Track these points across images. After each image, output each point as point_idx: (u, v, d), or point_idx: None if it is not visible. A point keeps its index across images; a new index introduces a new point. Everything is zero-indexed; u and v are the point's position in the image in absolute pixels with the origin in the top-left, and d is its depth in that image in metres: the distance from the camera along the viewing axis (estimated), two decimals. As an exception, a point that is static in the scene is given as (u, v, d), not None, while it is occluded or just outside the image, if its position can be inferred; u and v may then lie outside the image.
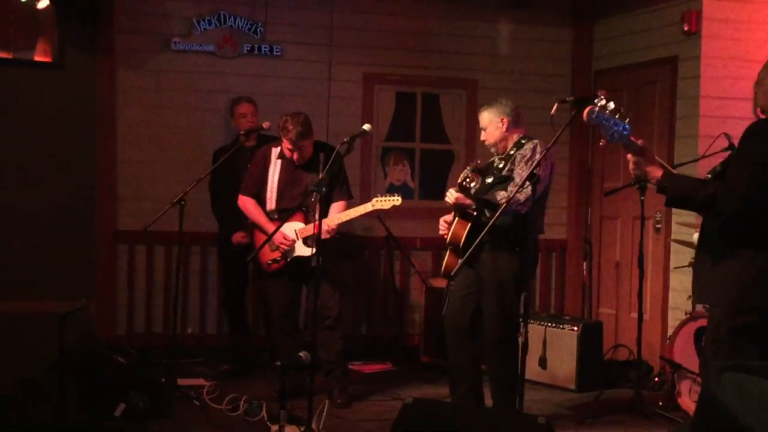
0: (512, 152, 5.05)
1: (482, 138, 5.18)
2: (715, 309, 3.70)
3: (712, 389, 2.11)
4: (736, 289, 3.61)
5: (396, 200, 5.36)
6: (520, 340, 4.05)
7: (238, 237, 6.23)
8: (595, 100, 3.46)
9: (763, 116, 3.76)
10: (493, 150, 5.17)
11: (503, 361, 4.95)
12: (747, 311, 3.61)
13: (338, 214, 5.47)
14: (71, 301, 5.10)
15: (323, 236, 4.97)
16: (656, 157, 3.62)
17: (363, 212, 5.47)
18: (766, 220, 3.58)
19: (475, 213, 4.95)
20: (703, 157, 5.65)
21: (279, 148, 5.62)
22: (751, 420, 1.96)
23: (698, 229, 3.85)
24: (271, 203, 5.61)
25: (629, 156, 3.59)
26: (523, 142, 5.07)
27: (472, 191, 5.00)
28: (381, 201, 5.38)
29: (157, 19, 7.03)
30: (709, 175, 3.87)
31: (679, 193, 3.65)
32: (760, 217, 3.57)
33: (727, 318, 3.63)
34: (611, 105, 3.45)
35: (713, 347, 3.67)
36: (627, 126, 3.47)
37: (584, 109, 3.45)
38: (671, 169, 3.68)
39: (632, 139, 3.52)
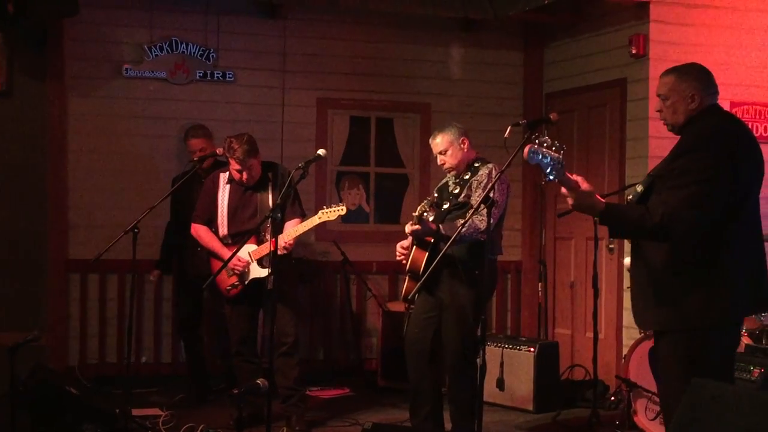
0: (467, 177, 5.07)
1: (441, 162, 5.17)
2: (672, 333, 3.64)
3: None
4: (689, 310, 3.58)
5: (341, 210, 5.38)
6: (478, 362, 4.05)
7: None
8: (533, 137, 3.41)
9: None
10: (452, 173, 5.18)
11: (464, 383, 4.96)
12: (702, 331, 3.59)
13: (287, 231, 5.44)
14: (22, 333, 5.00)
15: (279, 252, 4.95)
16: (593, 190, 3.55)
17: (311, 226, 5.45)
18: (713, 238, 3.58)
19: (432, 241, 4.97)
20: (654, 177, 5.73)
21: (227, 173, 5.61)
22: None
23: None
24: (223, 228, 5.58)
25: (563, 191, 3.52)
26: (477, 165, 5.10)
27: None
28: (327, 213, 5.40)
29: (108, 46, 6.98)
30: (630, 197, 3.85)
31: (624, 225, 3.60)
32: (705, 235, 3.57)
33: (684, 340, 3.60)
34: (546, 140, 3.40)
35: (682, 369, 3.60)
36: (562, 161, 3.41)
37: (525, 147, 3.39)
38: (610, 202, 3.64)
39: (567, 174, 3.46)
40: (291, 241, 5.41)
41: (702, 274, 3.59)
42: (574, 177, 3.50)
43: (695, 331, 3.59)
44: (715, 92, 3.79)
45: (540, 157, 3.38)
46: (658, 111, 3.86)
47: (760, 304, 3.79)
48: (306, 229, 5.46)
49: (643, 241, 3.74)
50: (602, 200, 3.57)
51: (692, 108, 3.73)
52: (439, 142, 5.14)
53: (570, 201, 3.52)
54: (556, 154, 3.40)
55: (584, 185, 3.51)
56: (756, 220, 3.73)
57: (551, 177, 3.41)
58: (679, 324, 3.63)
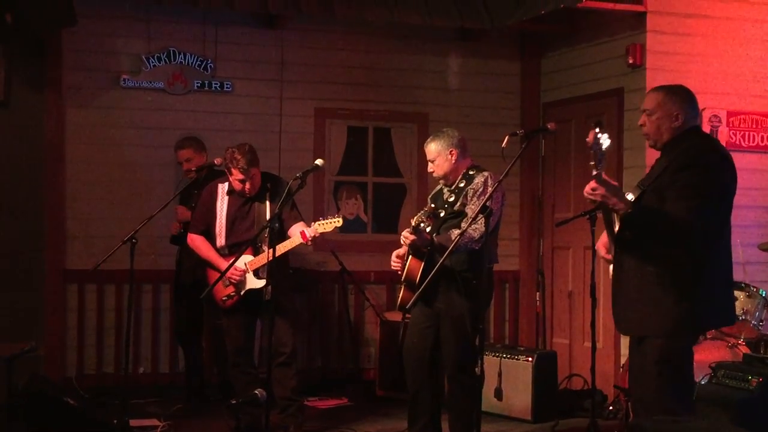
0: (462, 185, 5.05)
1: (430, 170, 5.16)
2: (655, 338, 3.85)
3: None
4: (674, 319, 3.79)
5: (337, 221, 5.38)
6: (477, 371, 4.06)
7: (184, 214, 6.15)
8: (596, 128, 3.58)
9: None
10: (442, 181, 5.18)
11: (463, 393, 4.94)
12: (686, 338, 3.84)
13: (285, 242, 5.42)
14: (19, 343, 5.00)
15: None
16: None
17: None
18: (702, 251, 3.77)
19: (428, 251, 4.96)
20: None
21: (226, 183, 5.60)
22: None
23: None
24: (221, 239, 5.57)
25: (592, 184, 3.70)
26: (472, 173, 5.06)
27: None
28: (323, 224, 5.39)
29: (106, 57, 6.99)
30: None
31: (652, 215, 3.76)
32: (698, 248, 3.76)
33: (665, 345, 3.81)
34: (605, 132, 3.58)
35: (666, 372, 3.80)
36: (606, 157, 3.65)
37: (590, 131, 3.59)
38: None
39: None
40: (316, 234, 5.35)
41: (688, 285, 3.79)
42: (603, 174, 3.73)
43: (674, 337, 3.82)
44: (698, 115, 4.00)
45: (601, 148, 3.58)
46: (640, 125, 4.02)
47: (729, 317, 4.05)
48: (300, 241, 5.45)
49: (628, 248, 3.89)
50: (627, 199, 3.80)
51: (676, 126, 3.92)
52: (429, 149, 5.11)
53: (600, 192, 3.70)
54: (605, 150, 3.61)
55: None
56: (729, 237, 3.97)
57: (598, 168, 3.63)
58: (669, 331, 3.83)
